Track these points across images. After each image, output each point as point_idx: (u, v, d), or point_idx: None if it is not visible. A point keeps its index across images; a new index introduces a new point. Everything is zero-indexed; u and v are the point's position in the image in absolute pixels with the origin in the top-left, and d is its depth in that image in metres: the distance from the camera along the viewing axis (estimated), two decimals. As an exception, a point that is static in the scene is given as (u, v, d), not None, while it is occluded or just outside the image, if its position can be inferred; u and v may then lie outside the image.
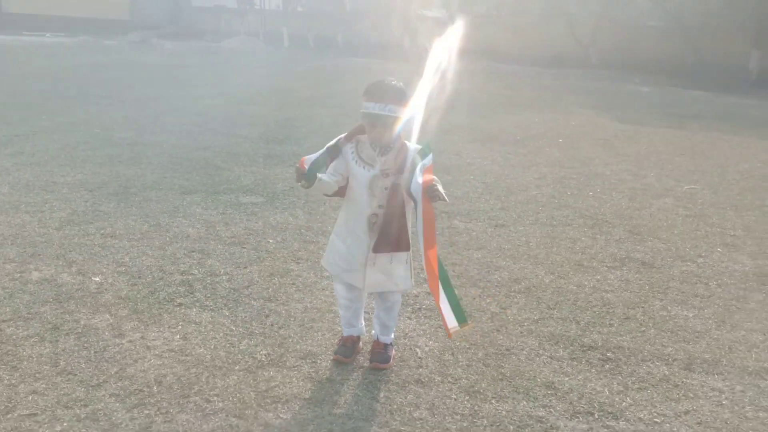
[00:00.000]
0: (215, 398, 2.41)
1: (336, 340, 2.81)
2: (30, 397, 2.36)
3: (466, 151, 6.94)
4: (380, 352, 2.68)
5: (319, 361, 2.69)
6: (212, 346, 2.77)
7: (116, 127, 7.59)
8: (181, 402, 2.37)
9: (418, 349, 2.82)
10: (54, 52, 17.84)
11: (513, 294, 3.42)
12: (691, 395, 2.56)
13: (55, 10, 27.41)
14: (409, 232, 2.56)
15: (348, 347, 2.71)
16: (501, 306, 3.28)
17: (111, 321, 2.95)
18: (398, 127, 2.46)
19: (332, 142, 2.49)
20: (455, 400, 2.47)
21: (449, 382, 2.58)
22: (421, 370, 2.66)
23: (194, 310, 3.09)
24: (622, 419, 2.39)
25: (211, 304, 3.17)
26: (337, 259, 2.62)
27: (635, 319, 3.19)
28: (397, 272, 2.58)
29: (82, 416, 2.27)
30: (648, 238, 4.40)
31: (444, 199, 2.35)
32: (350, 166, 2.50)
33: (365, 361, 2.70)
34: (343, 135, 2.51)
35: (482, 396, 2.49)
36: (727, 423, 2.40)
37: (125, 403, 2.35)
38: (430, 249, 2.34)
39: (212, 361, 2.66)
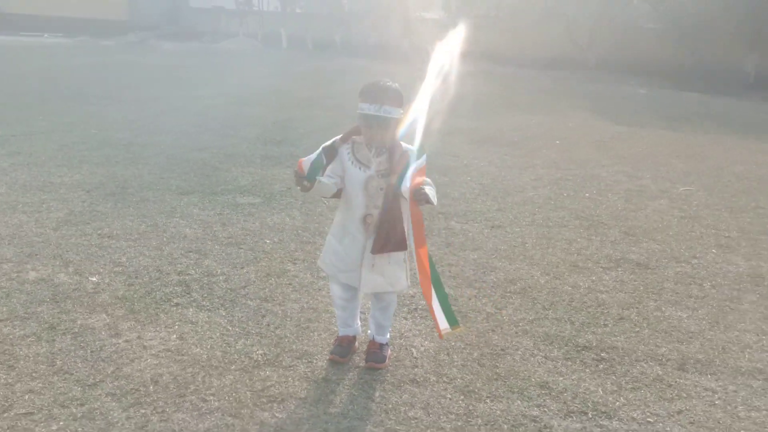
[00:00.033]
0: (211, 397, 2.42)
1: (332, 340, 2.83)
2: (26, 396, 2.37)
3: (463, 153, 6.96)
4: (376, 351, 2.69)
5: (315, 361, 2.70)
6: (209, 346, 2.78)
7: (114, 127, 7.60)
8: (177, 401, 2.38)
9: (413, 349, 2.84)
10: (52, 53, 17.85)
11: (508, 294, 3.44)
12: (684, 395, 2.58)
13: (53, 10, 27.42)
14: (406, 231, 2.57)
15: (344, 347, 2.73)
16: (496, 306, 3.29)
17: (108, 321, 2.96)
18: (394, 127, 2.47)
19: (328, 143, 2.51)
20: (450, 399, 2.48)
21: (444, 381, 2.60)
22: (416, 369, 2.68)
23: (191, 310, 3.11)
24: (616, 419, 2.40)
25: (207, 304, 3.18)
26: (333, 259, 2.64)
27: (629, 320, 3.21)
28: (394, 273, 2.59)
29: (79, 415, 2.28)
30: (643, 239, 4.42)
31: (431, 202, 2.36)
32: (346, 167, 2.52)
33: (361, 361, 2.71)
34: (338, 136, 2.52)
35: (477, 395, 2.51)
36: (719, 423, 2.41)
37: (121, 403, 2.36)
38: (420, 248, 2.36)
39: (208, 360, 2.67)
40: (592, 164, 6.70)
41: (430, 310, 2.40)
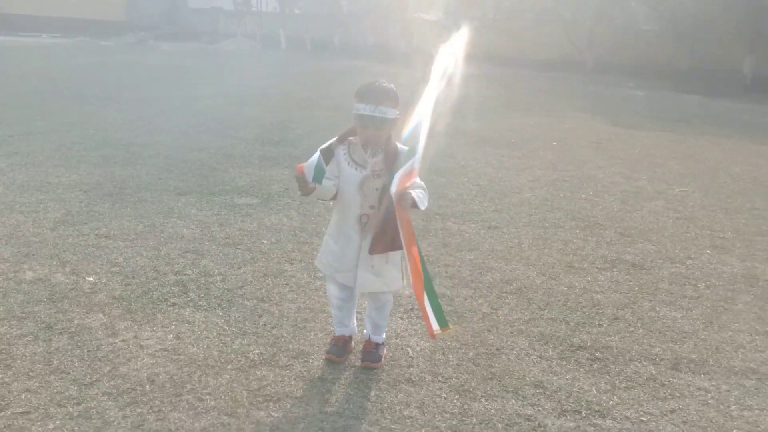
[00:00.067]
0: (207, 397, 2.43)
1: (328, 340, 2.84)
2: (23, 396, 2.38)
3: (460, 154, 6.98)
4: (372, 351, 2.71)
5: (311, 361, 2.72)
6: (205, 346, 2.79)
7: (112, 127, 7.60)
8: (173, 400, 2.40)
9: (409, 349, 2.85)
10: (50, 53, 17.85)
11: (504, 295, 3.46)
12: (678, 394, 2.60)
13: (52, 11, 27.42)
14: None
15: (340, 347, 2.74)
16: (492, 306, 3.31)
17: (104, 320, 2.97)
18: (390, 128, 2.48)
19: (325, 146, 2.52)
20: (445, 398, 2.50)
21: (439, 381, 2.61)
22: (411, 369, 2.69)
23: (188, 309, 3.12)
24: (609, 417, 2.42)
25: (204, 304, 3.19)
26: (330, 259, 2.65)
27: (624, 320, 3.23)
28: (390, 273, 2.61)
29: (75, 414, 2.29)
30: (638, 240, 4.44)
31: (417, 206, 2.38)
32: (342, 168, 2.53)
33: (357, 361, 2.72)
34: (334, 138, 2.54)
35: (472, 395, 2.52)
36: (712, 422, 2.43)
37: (118, 402, 2.37)
38: (412, 247, 2.38)
39: (205, 360, 2.68)
40: (589, 165, 6.72)
41: (422, 311, 2.42)
